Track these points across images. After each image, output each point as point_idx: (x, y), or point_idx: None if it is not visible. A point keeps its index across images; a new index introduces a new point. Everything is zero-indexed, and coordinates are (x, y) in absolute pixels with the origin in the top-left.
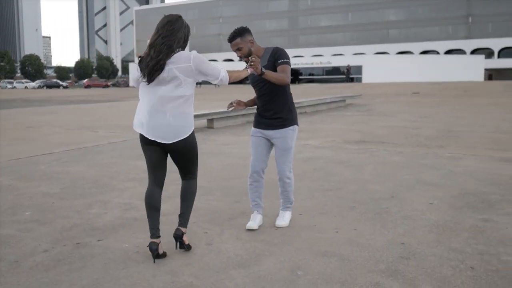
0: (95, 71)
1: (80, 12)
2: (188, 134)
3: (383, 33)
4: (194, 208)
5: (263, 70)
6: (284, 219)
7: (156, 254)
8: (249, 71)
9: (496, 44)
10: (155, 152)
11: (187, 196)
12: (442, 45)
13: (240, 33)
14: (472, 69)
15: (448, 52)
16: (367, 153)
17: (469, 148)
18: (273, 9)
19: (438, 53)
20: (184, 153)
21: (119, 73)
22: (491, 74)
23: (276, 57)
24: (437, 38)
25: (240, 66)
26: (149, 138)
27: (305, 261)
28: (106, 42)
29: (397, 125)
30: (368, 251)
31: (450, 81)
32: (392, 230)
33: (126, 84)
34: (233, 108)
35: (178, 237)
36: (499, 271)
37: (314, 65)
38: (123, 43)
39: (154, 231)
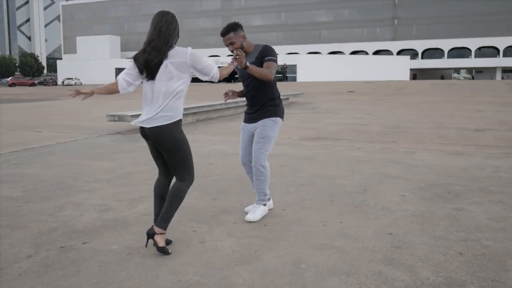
0: (18, 68)
1: None
2: (166, 122)
3: (315, 34)
4: None
5: (247, 64)
6: (254, 214)
7: (154, 243)
8: (234, 64)
9: (420, 45)
10: (151, 145)
11: (169, 198)
12: (371, 46)
13: (233, 28)
14: (399, 69)
15: (376, 52)
16: (326, 149)
17: (419, 143)
18: (206, 8)
19: (367, 53)
20: (163, 144)
21: (45, 71)
22: (416, 74)
23: (264, 55)
24: (366, 39)
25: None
26: (136, 125)
27: (304, 254)
28: (29, 38)
29: (345, 122)
30: (360, 242)
31: (380, 80)
32: (376, 221)
33: (55, 83)
34: (227, 98)
35: (149, 235)
36: (485, 255)
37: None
38: (48, 40)
39: (156, 218)
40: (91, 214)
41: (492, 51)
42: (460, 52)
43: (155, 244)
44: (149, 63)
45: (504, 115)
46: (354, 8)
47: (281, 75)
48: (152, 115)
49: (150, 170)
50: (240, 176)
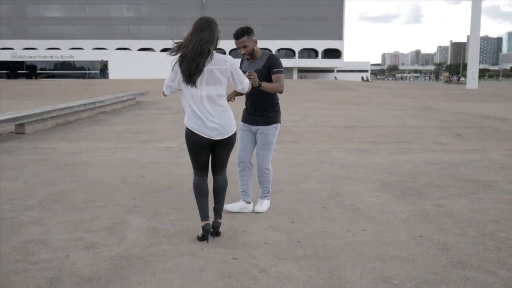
0: None
1: None
2: (236, 128)
3: (123, 29)
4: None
5: (260, 83)
6: (262, 206)
7: (217, 232)
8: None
9: (228, 45)
10: (206, 149)
11: (223, 190)
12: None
13: (247, 32)
14: None
15: None
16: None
17: (317, 142)
18: None
19: None
20: (230, 147)
21: None
22: None
23: (271, 65)
24: (176, 37)
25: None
26: (212, 139)
27: (379, 269)
28: None
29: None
30: (412, 249)
31: None
32: (390, 226)
33: None
34: (232, 101)
35: (215, 228)
36: None
37: (54, 59)
38: None
39: (206, 215)
40: (78, 253)
41: (290, 53)
42: None
43: (218, 234)
44: (191, 69)
45: (349, 112)
46: (163, 5)
47: (99, 72)
48: (221, 124)
49: (75, 188)
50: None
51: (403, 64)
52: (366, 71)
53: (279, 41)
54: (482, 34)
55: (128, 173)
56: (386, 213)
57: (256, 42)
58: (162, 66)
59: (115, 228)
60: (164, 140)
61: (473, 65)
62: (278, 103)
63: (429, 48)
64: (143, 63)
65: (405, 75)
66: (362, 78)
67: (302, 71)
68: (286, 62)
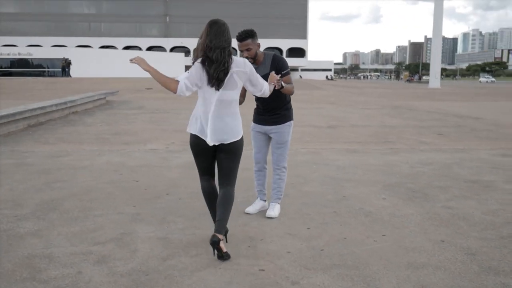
0: None
1: None
2: (242, 134)
3: (84, 26)
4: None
5: (283, 85)
6: (274, 210)
7: (219, 250)
8: (273, 86)
9: (191, 43)
10: (207, 153)
11: (224, 205)
12: (144, 42)
13: (252, 34)
14: (174, 65)
15: (149, 48)
16: None
17: (304, 142)
18: None
19: (140, 49)
20: (233, 156)
21: None
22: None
23: (279, 67)
24: (139, 34)
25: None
26: (212, 144)
27: (414, 278)
28: None
29: None
30: (439, 255)
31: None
32: (407, 230)
33: None
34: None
35: (215, 243)
36: None
37: (11, 56)
38: None
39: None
40: (91, 269)
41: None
42: None
43: (220, 251)
44: (220, 74)
45: (325, 111)
46: (125, 2)
47: (61, 70)
48: (227, 130)
49: (67, 195)
50: (194, 189)
51: (363, 63)
52: (330, 70)
53: None
54: None
55: (120, 177)
56: (399, 216)
57: (259, 46)
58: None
59: (123, 239)
60: (148, 142)
61: (436, 65)
62: (290, 101)
63: (388, 47)
64: (106, 61)
65: (366, 74)
66: (327, 77)
67: None
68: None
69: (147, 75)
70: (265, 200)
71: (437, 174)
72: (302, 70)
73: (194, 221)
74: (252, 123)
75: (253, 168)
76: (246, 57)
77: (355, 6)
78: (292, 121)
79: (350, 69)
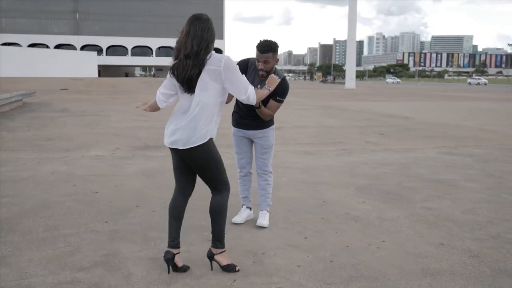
0: None
1: None
2: (201, 142)
3: None
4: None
5: (261, 104)
6: (265, 218)
7: (174, 265)
8: (270, 89)
9: (104, 42)
10: (178, 161)
11: (214, 213)
12: (52, 39)
13: (274, 49)
14: (86, 65)
15: (58, 46)
16: None
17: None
18: None
19: (48, 47)
20: (199, 164)
21: None
22: (100, 71)
23: (279, 91)
24: (46, 31)
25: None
26: (166, 145)
27: (436, 286)
28: None
29: (142, 126)
30: (447, 259)
31: (70, 76)
32: (403, 235)
33: None
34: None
35: (209, 257)
36: None
37: None
38: None
39: (172, 241)
40: None
41: (170, 51)
42: (143, 50)
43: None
44: (190, 74)
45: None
46: None
47: None
48: (183, 134)
49: (21, 213)
50: (165, 200)
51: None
52: None
53: (160, 39)
54: (345, 37)
55: (75, 189)
56: (388, 220)
57: (277, 61)
58: (32, 63)
59: (109, 262)
60: (90, 148)
61: (351, 67)
62: None
63: (300, 49)
64: (8, 59)
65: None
66: None
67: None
68: (168, 61)
69: (56, 74)
70: (251, 208)
71: (400, 175)
72: None
73: (181, 235)
74: (233, 128)
75: (237, 174)
76: (261, 69)
77: (267, 8)
78: (274, 125)
79: None
